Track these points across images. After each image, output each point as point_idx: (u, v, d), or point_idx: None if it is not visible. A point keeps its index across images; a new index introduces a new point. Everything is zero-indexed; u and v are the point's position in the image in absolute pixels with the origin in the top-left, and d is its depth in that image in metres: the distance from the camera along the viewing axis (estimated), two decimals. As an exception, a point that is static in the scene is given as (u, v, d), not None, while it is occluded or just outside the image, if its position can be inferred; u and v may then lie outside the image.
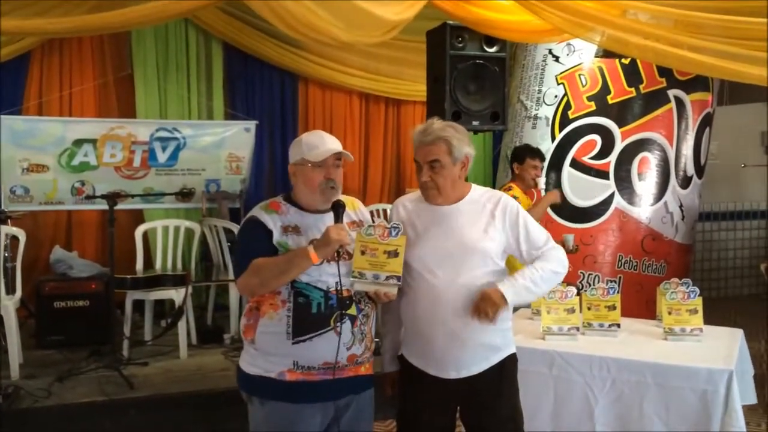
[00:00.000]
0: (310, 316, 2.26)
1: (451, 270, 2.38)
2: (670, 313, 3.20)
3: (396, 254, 2.26)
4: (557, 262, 2.47)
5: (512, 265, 2.59)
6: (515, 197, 4.21)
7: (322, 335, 2.26)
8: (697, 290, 3.23)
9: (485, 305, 2.31)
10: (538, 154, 4.58)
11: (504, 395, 2.50)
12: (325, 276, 2.27)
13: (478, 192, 2.51)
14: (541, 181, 4.55)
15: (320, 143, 2.35)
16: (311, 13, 3.41)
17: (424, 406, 2.50)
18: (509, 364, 2.51)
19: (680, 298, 3.20)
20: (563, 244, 4.48)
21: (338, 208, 2.30)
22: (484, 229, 2.42)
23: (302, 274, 2.24)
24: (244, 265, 2.26)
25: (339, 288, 2.28)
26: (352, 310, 2.31)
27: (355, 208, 2.48)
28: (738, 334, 3.29)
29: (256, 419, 2.34)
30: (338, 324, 2.27)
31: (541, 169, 4.54)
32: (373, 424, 2.50)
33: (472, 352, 2.42)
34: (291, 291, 2.26)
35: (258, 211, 2.35)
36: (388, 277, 2.25)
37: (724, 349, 3.03)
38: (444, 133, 2.40)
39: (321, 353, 2.26)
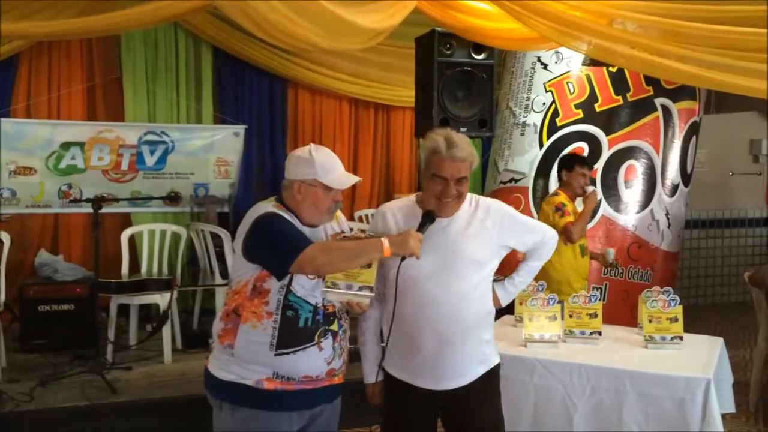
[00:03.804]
0: (297, 330, 2.26)
1: (444, 278, 2.39)
2: (650, 321, 3.21)
3: (369, 265, 2.25)
4: (547, 254, 2.67)
5: None
6: (563, 204, 4.34)
7: (306, 350, 2.26)
8: (678, 298, 3.25)
9: None
10: (587, 162, 4.59)
11: (488, 401, 2.53)
12: (318, 291, 2.28)
13: (467, 201, 2.51)
14: (589, 189, 4.56)
15: (335, 166, 2.34)
16: (288, 20, 3.38)
17: (409, 416, 2.52)
18: (495, 372, 2.54)
19: (661, 306, 3.21)
20: (604, 258, 4.59)
21: (427, 219, 2.36)
22: (476, 237, 2.44)
23: (298, 286, 2.25)
24: (300, 244, 2.21)
25: (325, 303, 2.29)
26: (334, 326, 2.33)
27: (337, 219, 2.49)
28: (718, 342, 3.30)
29: (225, 426, 2.31)
30: (322, 339, 2.28)
31: (588, 177, 4.55)
32: (337, 428, 2.52)
33: (461, 361, 2.44)
34: (281, 303, 2.25)
35: (276, 209, 2.31)
36: (361, 288, 2.25)
37: (703, 357, 3.04)
38: (471, 149, 2.41)
39: (302, 367, 2.27)
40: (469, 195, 2.53)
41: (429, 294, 2.40)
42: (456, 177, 2.37)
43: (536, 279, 3.05)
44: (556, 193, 4.51)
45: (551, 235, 2.65)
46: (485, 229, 2.46)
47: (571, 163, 4.53)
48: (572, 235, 4.30)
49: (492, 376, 2.53)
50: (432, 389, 2.45)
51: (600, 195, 4.88)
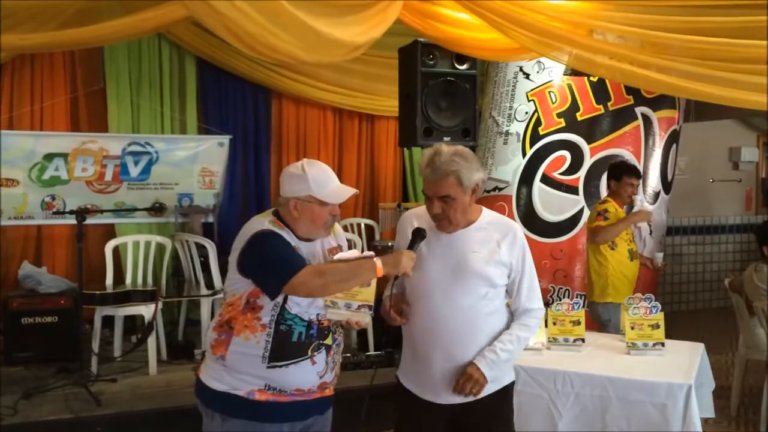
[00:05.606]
0: (291, 343, 2.27)
1: (453, 293, 2.39)
2: (632, 328, 3.26)
3: (368, 284, 2.27)
4: (534, 328, 2.51)
5: None
6: (607, 210, 4.52)
7: (299, 363, 2.27)
8: (659, 305, 3.30)
9: (468, 385, 2.36)
10: (634, 172, 4.73)
11: (498, 418, 2.53)
12: (313, 308, 2.29)
13: (487, 218, 2.48)
14: (637, 199, 4.71)
15: (328, 180, 2.33)
16: (270, 33, 3.38)
17: (418, 427, 2.53)
18: (507, 389, 2.54)
19: (643, 314, 3.26)
20: (653, 262, 4.77)
21: (417, 237, 2.36)
22: (489, 255, 2.41)
23: (293, 305, 2.25)
24: (294, 266, 2.20)
25: (320, 318, 2.30)
26: (329, 340, 2.34)
27: (333, 232, 2.49)
28: (699, 348, 3.35)
29: None
30: (315, 353, 2.29)
31: (637, 187, 4.70)
32: None
33: None
34: (275, 318, 2.25)
35: (273, 227, 2.30)
36: (360, 306, 2.27)
37: (684, 363, 3.09)
38: (452, 166, 2.31)
39: (295, 380, 2.28)
40: (493, 214, 2.51)
41: (438, 310, 2.39)
42: (437, 195, 2.34)
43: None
44: (605, 201, 4.70)
45: (542, 309, 2.54)
46: (497, 249, 2.42)
47: (619, 172, 4.69)
48: (596, 237, 4.50)
49: (504, 394, 2.52)
50: (440, 403, 2.45)
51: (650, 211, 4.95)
